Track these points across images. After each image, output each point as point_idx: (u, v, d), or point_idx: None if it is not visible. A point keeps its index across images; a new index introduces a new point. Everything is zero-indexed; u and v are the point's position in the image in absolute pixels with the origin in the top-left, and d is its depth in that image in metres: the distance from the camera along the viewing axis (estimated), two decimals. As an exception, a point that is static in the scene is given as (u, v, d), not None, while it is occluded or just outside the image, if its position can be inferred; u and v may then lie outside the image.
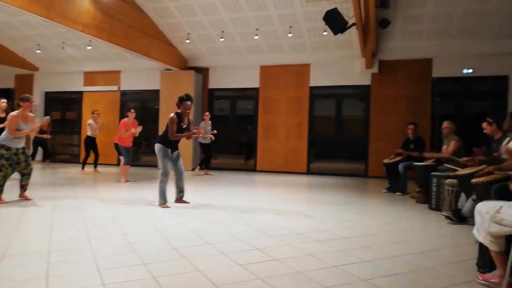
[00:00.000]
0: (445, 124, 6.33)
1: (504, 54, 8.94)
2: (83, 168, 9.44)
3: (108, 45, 8.98)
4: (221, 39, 10.23)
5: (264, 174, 10.37)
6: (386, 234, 4.10)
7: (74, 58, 12.36)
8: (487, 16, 8.31)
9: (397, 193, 6.98)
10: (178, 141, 5.41)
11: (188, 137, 5.40)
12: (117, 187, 7.35)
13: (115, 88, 12.44)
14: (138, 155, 13.51)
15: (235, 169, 11.48)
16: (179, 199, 5.54)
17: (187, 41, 10.49)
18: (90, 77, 12.76)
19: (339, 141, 11.41)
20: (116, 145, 7.82)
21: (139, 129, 7.81)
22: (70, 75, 12.85)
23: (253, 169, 11.10)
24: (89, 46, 11.00)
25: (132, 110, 7.97)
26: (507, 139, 4.28)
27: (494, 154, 4.45)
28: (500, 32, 8.66)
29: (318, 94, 10.67)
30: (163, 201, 5.25)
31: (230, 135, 12.73)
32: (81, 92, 12.85)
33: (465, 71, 9.31)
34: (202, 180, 8.82)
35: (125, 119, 7.92)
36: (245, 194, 6.80)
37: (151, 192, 6.56)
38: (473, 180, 3.95)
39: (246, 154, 12.71)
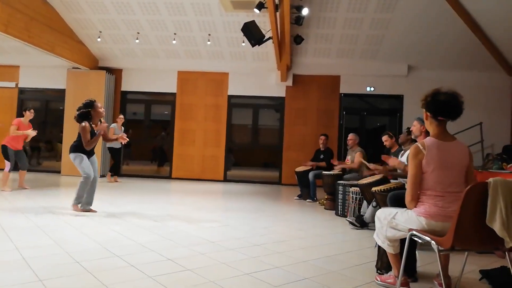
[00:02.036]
0: (350, 136, 6.87)
1: (399, 76, 10.05)
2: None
3: (4, 37, 8.02)
4: (136, 41, 9.82)
5: (179, 182, 10.13)
6: (296, 240, 4.27)
7: (-40, 47, 10.82)
8: (385, 42, 9.26)
9: (307, 200, 7.35)
10: (93, 147, 5.24)
11: (106, 140, 5.46)
12: (11, 195, 6.54)
13: (12, 84, 11.13)
14: (39, 159, 12.27)
15: (149, 176, 11.04)
16: (87, 209, 5.20)
17: (99, 39, 9.87)
18: (-20, 71, 11.26)
19: (255, 149, 11.74)
20: (4, 148, 6.83)
21: (33, 133, 7.00)
22: (-46, 66, 11.20)
23: (168, 177, 10.77)
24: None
25: (32, 111, 7.17)
26: (402, 151, 4.79)
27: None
28: (396, 56, 9.72)
29: (236, 103, 10.80)
30: (77, 202, 5.09)
31: (144, 141, 12.24)
32: (-33, 87, 11.27)
33: (368, 88, 10.23)
34: (111, 187, 8.29)
35: (21, 118, 7.09)
36: (157, 203, 6.55)
37: (51, 200, 5.98)
38: (373, 189, 4.32)
39: (160, 160, 12.33)
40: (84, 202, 5.17)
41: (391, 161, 4.23)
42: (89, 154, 5.21)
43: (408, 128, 4.73)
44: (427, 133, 3.67)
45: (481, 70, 9.60)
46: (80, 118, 5.07)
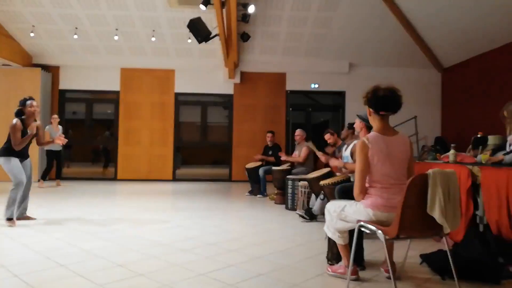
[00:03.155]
0: (297, 132, 7.04)
1: (341, 73, 10.46)
2: None
3: None
4: (75, 36, 9.27)
5: (126, 183, 9.75)
6: (249, 236, 4.30)
7: None
8: (328, 40, 9.58)
9: (258, 196, 7.44)
10: (27, 149, 4.74)
11: (41, 143, 4.91)
12: None
13: None
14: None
15: (92, 179, 10.50)
16: (23, 216, 4.81)
17: (32, 34, 9.18)
18: None
19: (205, 147, 11.65)
20: None
21: None
22: None
23: (113, 178, 10.33)
24: None
25: None
26: (345, 146, 4.98)
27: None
28: (338, 54, 10.10)
29: (183, 100, 10.61)
30: (11, 215, 4.51)
31: (86, 141, 11.62)
32: None
33: (312, 85, 10.53)
34: (51, 192, 7.78)
35: None
36: (103, 206, 6.25)
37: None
38: (321, 182, 4.47)
39: (105, 161, 11.79)
40: (18, 210, 4.74)
41: (332, 163, 4.39)
42: (22, 157, 4.70)
43: (349, 124, 4.95)
44: (367, 128, 3.85)
45: (414, 67, 10.27)
46: (15, 116, 4.65)
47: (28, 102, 4.68)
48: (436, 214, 2.39)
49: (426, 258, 3.21)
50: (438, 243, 3.91)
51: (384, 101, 2.66)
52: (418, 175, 2.47)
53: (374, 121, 2.76)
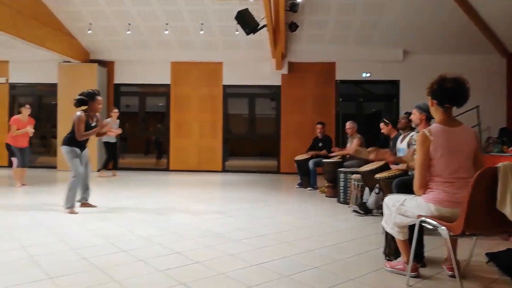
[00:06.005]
0: (348, 124, 6.83)
1: (395, 61, 10.00)
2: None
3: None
4: (128, 32, 9.66)
5: (177, 174, 10.09)
6: (300, 229, 4.27)
7: None
8: (379, 27, 9.18)
9: (308, 188, 7.36)
10: (86, 140, 5.05)
11: (98, 134, 5.17)
12: (11, 192, 6.48)
13: (2, 80, 10.93)
14: (33, 155, 12.18)
15: (146, 169, 10.97)
16: (85, 202, 5.14)
17: (89, 32, 9.69)
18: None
19: (253, 139, 11.75)
20: (8, 146, 6.96)
21: (31, 130, 6.98)
22: None
23: (165, 169, 10.73)
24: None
25: (27, 106, 7.15)
26: (401, 136, 4.77)
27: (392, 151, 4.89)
28: (391, 41, 9.66)
29: (231, 92, 10.72)
30: (70, 205, 4.80)
31: (140, 133, 12.14)
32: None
33: (364, 75, 10.19)
34: (109, 182, 8.23)
35: (18, 116, 7.05)
36: (158, 196, 6.52)
37: (51, 197, 5.93)
38: (377, 176, 4.33)
39: (158, 153, 12.28)
40: (81, 198, 5.09)
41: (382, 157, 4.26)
42: (82, 147, 5.01)
43: (408, 113, 4.71)
44: (427, 121, 3.66)
45: (475, 52, 9.58)
46: (78, 103, 4.92)
47: (99, 98, 4.98)
48: (508, 211, 2.23)
49: (493, 257, 3.02)
50: (505, 242, 3.66)
51: (451, 93, 2.51)
52: (486, 168, 2.31)
53: (436, 112, 2.62)
